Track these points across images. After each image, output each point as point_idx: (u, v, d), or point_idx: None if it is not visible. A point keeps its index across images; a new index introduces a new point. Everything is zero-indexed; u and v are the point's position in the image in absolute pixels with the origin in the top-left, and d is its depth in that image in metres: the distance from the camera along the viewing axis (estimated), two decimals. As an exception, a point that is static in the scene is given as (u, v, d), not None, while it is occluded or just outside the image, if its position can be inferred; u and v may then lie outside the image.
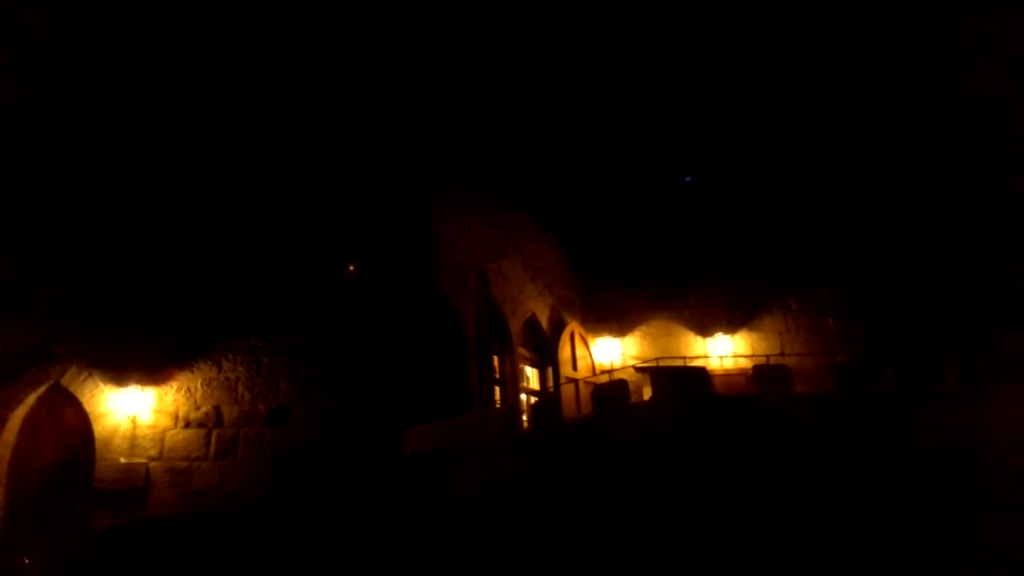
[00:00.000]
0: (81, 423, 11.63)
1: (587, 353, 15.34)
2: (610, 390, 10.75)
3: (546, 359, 14.99)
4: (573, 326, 15.30)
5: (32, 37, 12.23)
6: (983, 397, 8.76)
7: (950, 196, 15.33)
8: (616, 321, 15.93)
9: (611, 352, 15.51)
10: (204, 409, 11.72)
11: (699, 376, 10.56)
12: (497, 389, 13.64)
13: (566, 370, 14.70)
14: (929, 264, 15.26)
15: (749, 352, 15.31)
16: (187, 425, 11.65)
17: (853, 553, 7.85)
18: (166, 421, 11.64)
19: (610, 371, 14.68)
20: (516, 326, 14.33)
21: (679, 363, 14.53)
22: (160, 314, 11.99)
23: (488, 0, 14.07)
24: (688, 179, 16.72)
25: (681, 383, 10.19)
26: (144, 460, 11.42)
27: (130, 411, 11.52)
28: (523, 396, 14.20)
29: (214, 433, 11.63)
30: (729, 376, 14.39)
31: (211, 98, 12.75)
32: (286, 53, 12.81)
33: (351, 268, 11.92)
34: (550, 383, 14.66)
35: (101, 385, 11.67)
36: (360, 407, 11.56)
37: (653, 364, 13.79)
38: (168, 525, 10.98)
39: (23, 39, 12.20)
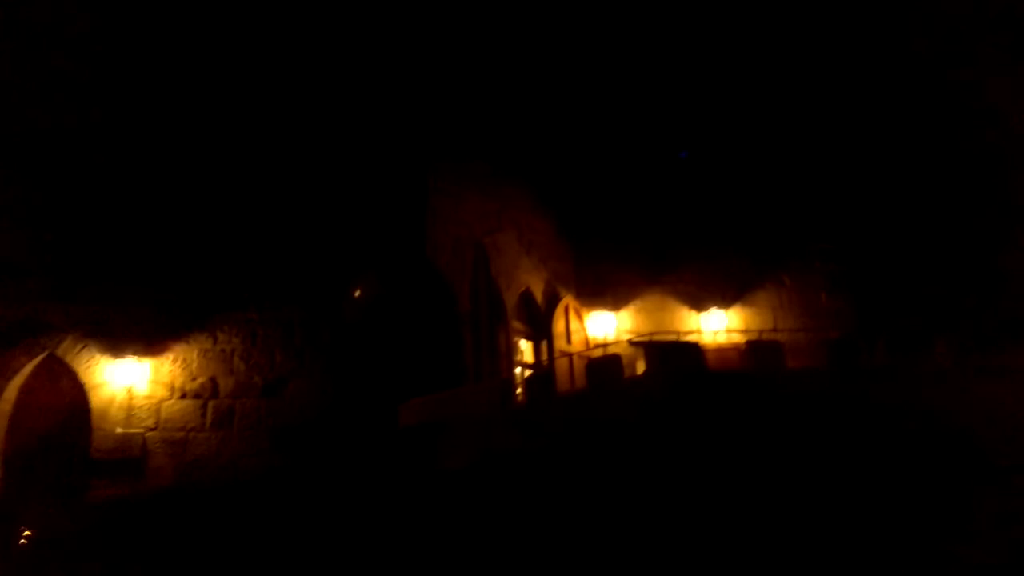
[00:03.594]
0: (77, 393, 11.67)
1: (581, 327, 15.42)
2: (604, 364, 10.89)
3: (541, 332, 15.06)
4: (568, 300, 15.36)
5: (34, 34, 12.15)
6: (971, 374, 8.86)
7: (943, 170, 15.33)
8: (611, 295, 15.99)
9: (605, 326, 15.59)
10: (200, 380, 11.78)
11: (692, 351, 10.70)
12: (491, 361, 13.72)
13: (560, 343, 14.79)
14: (922, 239, 15.29)
15: (743, 327, 15.40)
16: (183, 396, 11.71)
17: (839, 527, 7.97)
18: (162, 392, 11.70)
19: (604, 345, 14.76)
20: (511, 299, 14.37)
21: (673, 337, 14.63)
22: (157, 286, 11.98)
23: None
24: (683, 154, 16.69)
25: (674, 357, 10.33)
26: (141, 430, 11.50)
27: (126, 382, 11.57)
28: (517, 369, 14.29)
29: (210, 404, 11.69)
30: (722, 351, 14.48)
31: (209, 76, 12.63)
32: (283, 31, 12.69)
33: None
34: (544, 356, 14.75)
35: (97, 356, 11.69)
36: (355, 379, 11.63)
37: (647, 338, 13.90)
38: (165, 496, 11.07)
39: (25, 35, 12.12)
